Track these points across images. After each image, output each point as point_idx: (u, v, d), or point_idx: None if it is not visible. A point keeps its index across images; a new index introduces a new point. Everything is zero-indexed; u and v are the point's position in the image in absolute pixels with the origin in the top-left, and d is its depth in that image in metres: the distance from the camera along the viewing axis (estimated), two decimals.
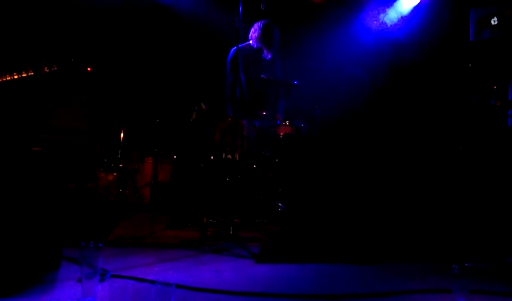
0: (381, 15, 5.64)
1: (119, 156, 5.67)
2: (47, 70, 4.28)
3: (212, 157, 4.48)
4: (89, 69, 5.20)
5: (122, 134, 5.73)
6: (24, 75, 4.23)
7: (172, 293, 1.93)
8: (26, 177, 2.46)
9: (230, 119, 4.48)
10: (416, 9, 5.42)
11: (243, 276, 2.73)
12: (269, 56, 5.02)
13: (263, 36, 4.92)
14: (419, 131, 5.10)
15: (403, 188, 4.52)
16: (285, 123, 4.74)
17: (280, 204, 4.47)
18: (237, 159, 4.38)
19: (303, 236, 3.52)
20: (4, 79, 4.19)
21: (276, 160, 4.63)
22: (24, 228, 2.31)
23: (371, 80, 5.53)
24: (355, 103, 5.45)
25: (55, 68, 4.31)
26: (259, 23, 4.96)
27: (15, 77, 4.21)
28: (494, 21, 4.28)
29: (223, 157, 4.45)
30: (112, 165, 5.65)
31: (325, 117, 5.04)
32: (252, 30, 5.01)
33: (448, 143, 4.74)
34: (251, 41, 5.03)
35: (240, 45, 4.84)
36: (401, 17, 5.49)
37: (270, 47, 4.97)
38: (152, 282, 2.28)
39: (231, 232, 3.61)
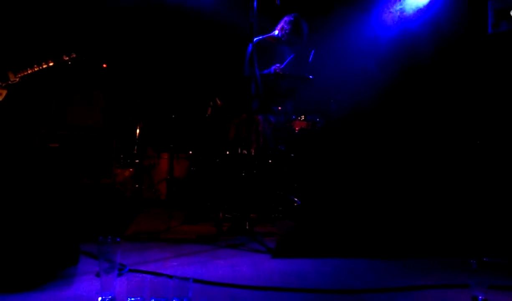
0: (397, 7, 5.59)
1: (135, 152, 5.72)
2: (66, 58, 4.34)
3: (227, 152, 4.49)
4: (104, 66, 5.25)
5: (138, 130, 5.78)
6: (44, 66, 4.29)
7: (190, 287, 1.94)
8: (44, 173, 2.49)
9: (245, 115, 4.47)
10: (432, 0, 5.36)
11: (260, 271, 2.73)
12: (296, 49, 5.01)
13: (294, 29, 4.90)
14: (437, 125, 5.05)
15: (421, 182, 4.49)
16: (301, 118, 4.73)
17: (296, 199, 4.46)
18: (252, 154, 4.38)
19: (319, 230, 3.52)
20: (26, 73, 4.25)
21: (292, 155, 4.62)
22: (43, 224, 2.33)
23: (384, 72, 5.48)
24: (367, 96, 5.41)
25: (74, 56, 4.36)
26: (290, 16, 4.95)
27: (36, 69, 4.27)
28: None
29: (239, 152, 4.45)
30: (128, 160, 5.70)
31: (340, 112, 5.02)
32: (282, 22, 4.99)
33: (466, 138, 4.69)
34: (276, 32, 5.00)
35: (261, 37, 4.86)
36: (417, 9, 5.44)
37: (300, 40, 4.95)
38: (169, 276, 2.30)
39: (247, 227, 3.62)
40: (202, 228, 4.04)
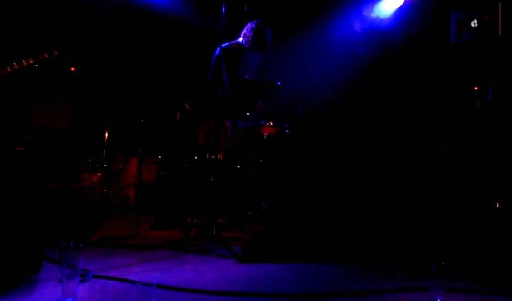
0: (364, 15, 5.69)
1: (104, 156, 5.66)
2: (47, 56, 4.19)
3: (196, 157, 4.49)
4: (73, 69, 5.18)
5: (106, 135, 5.72)
6: (24, 64, 4.14)
7: (153, 293, 1.94)
8: (8, 177, 2.45)
9: (213, 120, 4.48)
10: (398, 10, 5.48)
11: (225, 276, 2.75)
12: (259, 56, 5.04)
13: (256, 36, 4.92)
14: (401, 131, 5.15)
15: (385, 189, 4.57)
16: (269, 123, 4.76)
17: (263, 204, 4.48)
18: (221, 159, 4.39)
19: (286, 236, 3.55)
20: (5, 72, 4.10)
21: (260, 160, 4.65)
22: (6, 229, 2.30)
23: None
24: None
25: (56, 54, 4.22)
26: (252, 24, 4.96)
27: (16, 68, 4.11)
28: (474, 23, 4.35)
29: (207, 157, 4.45)
30: (97, 165, 5.64)
31: (309, 117, 5.07)
32: (245, 29, 5.01)
33: (430, 144, 4.79)
34: (241, 39, 5.02)
35: (228, 43, 4.88)
36: (383, 19, 5.55)
37: (263, 48, 4.98)
38: (133, 282, 2.29)
39: (214, 232, 3.63)
40: (170, 233, 4.03)
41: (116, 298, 1.90)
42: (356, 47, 5.65)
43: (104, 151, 5.69)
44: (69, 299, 1.96)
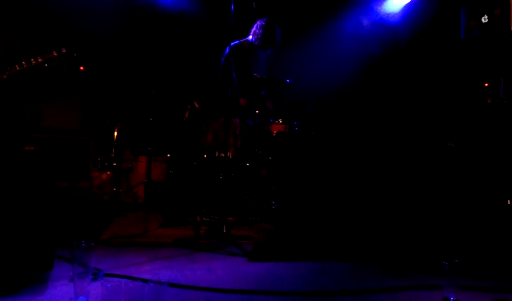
0: (373, 10, 5.67)
1: (113, 155, 5.67)
2: (56, 54, 4.20)
3: (205, 156, 4.48)
4: (82, 68, 5.19)
5: (115, 133, 5.74)
6: (33, 63, 4.15)
7: (165, 292, 1.93)
8: (19, 176, 2.46)
9: (222, 118, 4.48)
10: (407, 6, 5.45)
11: (236, 274, 2.74)
12: (269, 52, 5.04)
13: (266, 34, 4.91)
14: (411, 129, 5.12)
15: (396, 186, 4.55)
16: (278, 121, 4.76)
17: (273, 202, 4.48)
18: (230, 157, 4.39)
19: (296, 233, 3.54)
20: (14, 70, 4.11)
21: (270, 158, 4.64)
22: (18, 228, 2.30)
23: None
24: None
25: (64, 52, 4.23)
26: (261, 21, 4.95)
27: (25, 66, 4.12)
28: (484, 19, 4.32)
29: (216, 155, 4.45)
30: (106, 163, 5.66)
31: (317, 115, 5.06)
32: (254, 27, 5.00)
33: (442, 141, 4.76)
34: (250, 37, 5.02)
35: (237, 41, 4.88)
36: (392, 14, 5.53)
37: (272, 45, 4.97)
38: (144, 280, 2.29)
39: (224, 230, 3.63)
40: (179, 231, 4.03)
41: (128, 297, 1.89)
42: (371, 47, 5.63)
43: (113, 150, 5.70)
44: (82, 298, 1.96)
